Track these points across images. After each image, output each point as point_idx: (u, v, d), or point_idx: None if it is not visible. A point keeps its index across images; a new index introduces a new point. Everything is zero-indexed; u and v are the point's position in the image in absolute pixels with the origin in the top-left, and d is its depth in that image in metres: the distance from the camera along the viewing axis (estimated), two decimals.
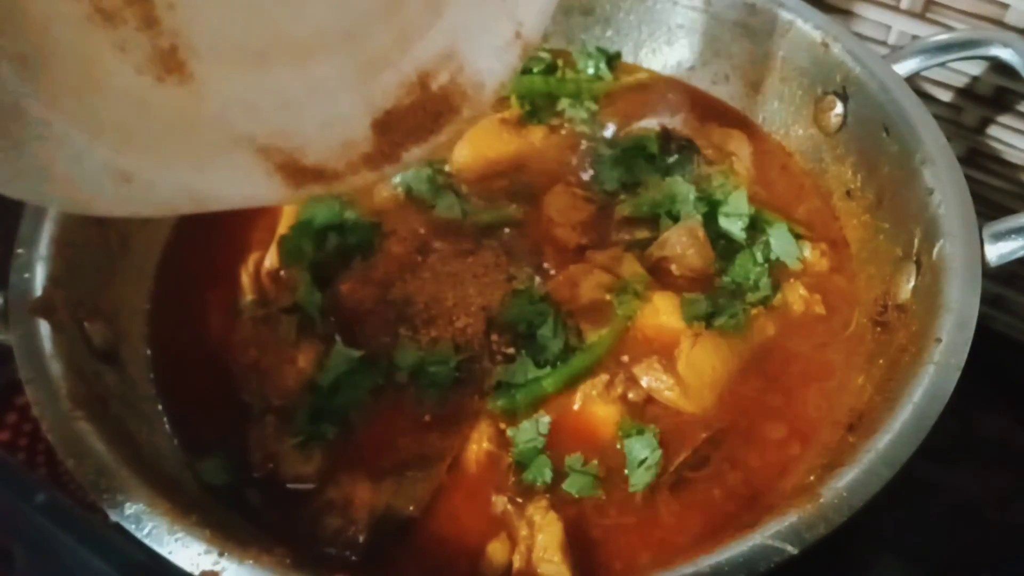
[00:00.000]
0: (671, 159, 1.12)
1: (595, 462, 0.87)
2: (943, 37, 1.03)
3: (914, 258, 0.92)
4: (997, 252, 0.88)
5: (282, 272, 1.01)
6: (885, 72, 1.02)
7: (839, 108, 1.07)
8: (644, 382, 0.93)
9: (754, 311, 0.98)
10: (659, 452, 0.87)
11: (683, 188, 1.05)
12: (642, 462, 0.86)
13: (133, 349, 0.94)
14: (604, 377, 0.93)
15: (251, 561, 0.69)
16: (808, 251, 1.04)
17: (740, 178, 1.10)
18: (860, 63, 1.04)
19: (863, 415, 0.85)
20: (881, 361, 0.90)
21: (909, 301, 0.91)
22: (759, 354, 0.96)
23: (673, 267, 1.02)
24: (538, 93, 1.21)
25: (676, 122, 1.18)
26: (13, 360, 0.81)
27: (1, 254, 0.90)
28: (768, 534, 0.71)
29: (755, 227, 1.04)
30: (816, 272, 1.03)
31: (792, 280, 1.02)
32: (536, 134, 1.17)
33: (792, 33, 1.10)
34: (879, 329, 0.93)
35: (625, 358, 0.95)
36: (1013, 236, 0.88)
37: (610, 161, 1.12)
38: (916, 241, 0.92)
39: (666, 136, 1.14)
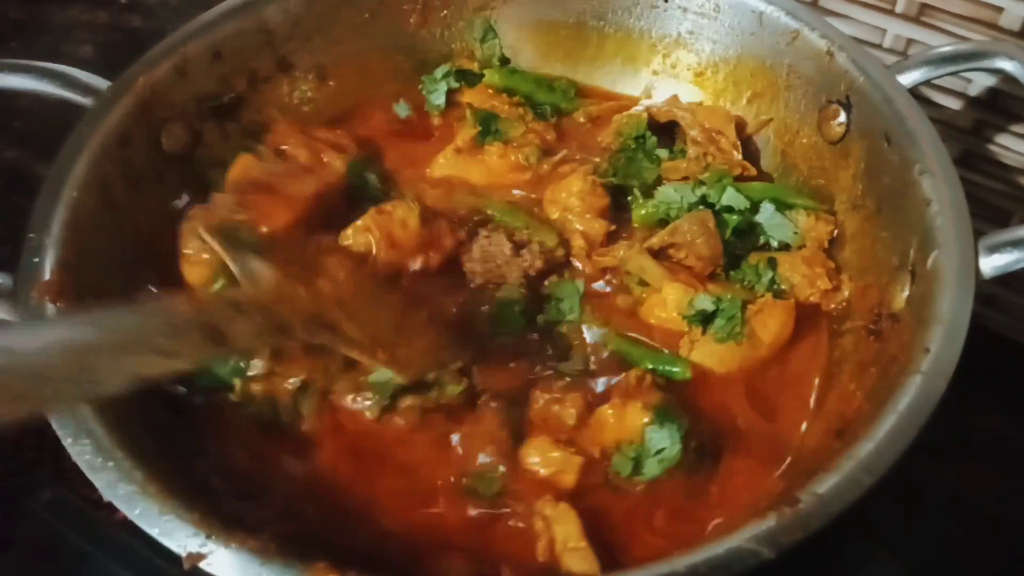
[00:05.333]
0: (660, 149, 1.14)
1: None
2: (947, 49, 1.03)
3: (909, 268, 0.92)
4: (992, 264, 0.88)
5: None
6: (889, 82, 1.02)
7: (842, 117, 1.07)
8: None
9: (758, 302, 0.99)
10: (678, 448, 0.87)
11: (676, 196, 1.06)
12: (659, 452, 0.87)
13: None
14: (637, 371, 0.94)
15: (236, 545, 0.71)
16: (803, 219, 1.05)
17: (727, 155, 1.12)
18: (864, 73, 1.04)
19: (852, 422, 0.86)
20: (873, 369, 0.90)
21: (903, 311, 0.91)
22: (758, 355, 0.98)
23: (682, 254, 1.03)
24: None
25: (655, 107, 1.19)
26: None
27: (9, 251, 0.92)
28: (746, 537, 0.71)
29: (752, 209, 1.06)
30: (815, 238, 1.04)
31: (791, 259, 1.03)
32: (492, 154, 1.16)
33: (798, 42, 1.11)
34: (872, 338, 0.94)
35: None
36: (1009, 248, 0.88)
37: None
38: (912, 251, 0.92)
39: (651, 120, 1.16)
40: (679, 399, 0.93)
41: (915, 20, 1.10)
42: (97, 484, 0.75)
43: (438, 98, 1.23)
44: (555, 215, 1.09)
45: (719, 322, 0.97)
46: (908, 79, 1.03)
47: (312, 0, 1.18)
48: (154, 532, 0.72)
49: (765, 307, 0.99)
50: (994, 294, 1.16)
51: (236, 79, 1.15)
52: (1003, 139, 1.11)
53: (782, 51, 1.13)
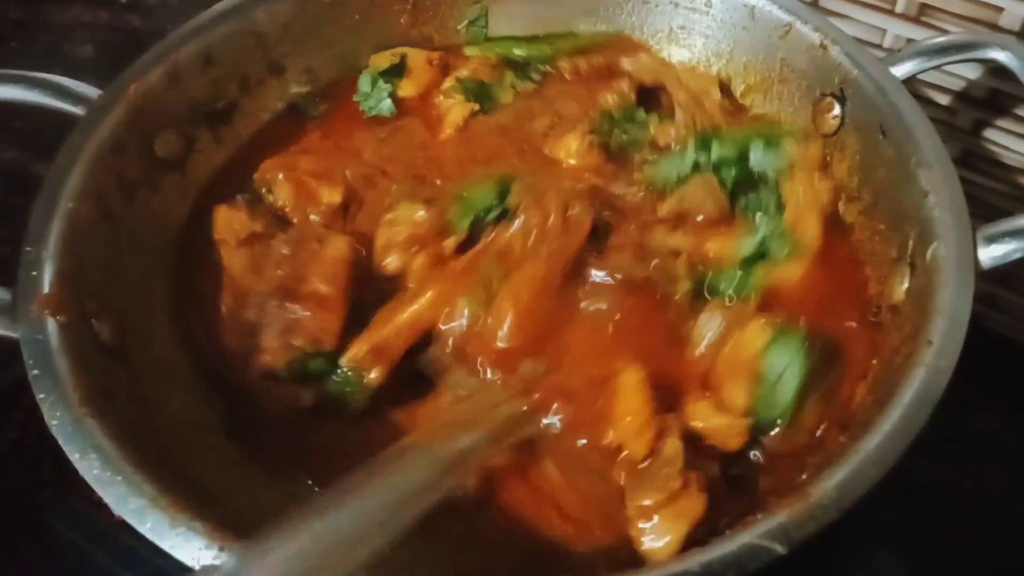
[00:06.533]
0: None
1: None
2: (940, 40, 1.04)
3: (908, 260, 0.92)
4: (990, 255, 0.88)
5: None
6: (882, 74, 1.03)
7: (837, 110, 1.07)
8: None
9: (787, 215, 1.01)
10: (802, 356, 0.87)
11: (672, 171, 1.07)
12: (786, 369, 0.87)
13: (142, 345, 0.95)
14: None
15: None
16: (792, 148, 1.06)
17: (713, 117, 1.13)
18: (858, 65, 1.04)
19: (856, 415, 0.86)
20: (875, 362, 0.90)
21: (903, 303, 0.91)
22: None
23: (695, 216, 1.04)
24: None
25: (639, 65, 1.20)
26: (20, 359, 0.82)
27: (9, 252, 0.91)
28: (758, 533, 0.71)
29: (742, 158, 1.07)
30: (807, 161, 1.06)
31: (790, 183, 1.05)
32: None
33: (791, 35, 1.11)
34: (873, 330, 0.94)
35: None
36: (1007, 239, 0.88)
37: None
38: (911, 243, 0.93)
39: (639, 90, 1.17)
40: None
41: (915, 20, 1.11)
42: (107, 499, 0.74)
43: (387, 105, 1.19)
44: None
45: (773, 246, 0.99)
46: (901, 71, 1.03)
47: (302, 2, 1.18)
48: (166, 546, 0.72)
49: (799, 216, 1.01)
50: (994, 294, 1.17)
51: (228, 83, 1.14)
52: (1003, 139, 1.12)
53: (775, 45, 1.13)
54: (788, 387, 0.87)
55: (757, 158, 1.07)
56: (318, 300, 0.95)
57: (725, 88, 1.19)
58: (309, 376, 0.93)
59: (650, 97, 1.18)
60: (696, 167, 1.06)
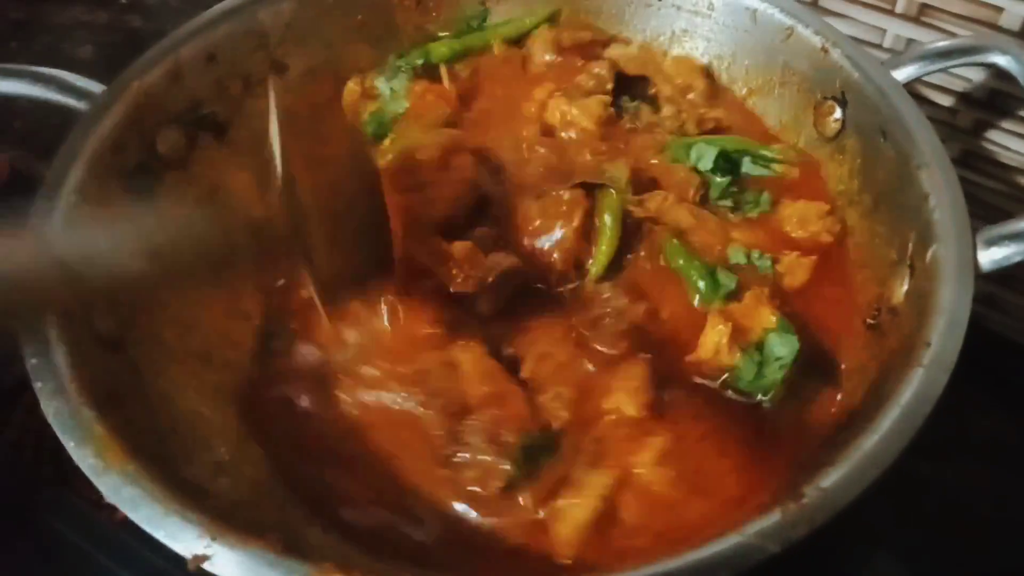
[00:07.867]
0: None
1: None
2: (943, 44, 1.04)
3: (908, 262, 0.92)
4: (990, 257, 0.88)
5: None
6: (883, 78, 1.03)
7: (838, 113, 1.08)
8: None
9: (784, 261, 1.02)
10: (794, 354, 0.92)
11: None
12: (779, 359, 0.91)
13: (141, 338, 0.95)
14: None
15: (241, 546, 0.71)
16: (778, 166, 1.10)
17: (699, 111, 1.15)
18: (859, 69, 1.05)
19: (854, 415, 0.86)
20: (873, 363, 0.90)
21: (902, 304, 0.91)
22: None
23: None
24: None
25: (623, 52, 1.21)
26: (20, 359, 0.82)
27: None
28: (751, 533, 0.71)
29: (728, 159, 1.10)
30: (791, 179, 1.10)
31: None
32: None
33: (793, 39, 1.11)
34: (871, 332, 0.94)
35: None
36: (1007, 242, 0.88)
37: None
38: (910, 245, 0.92)
39: (621, 79, 1.17)
40: None
41: (915, 20, 1.11)
42: (100, 488, 0.74)
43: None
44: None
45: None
46: (903, 74, 1.03)
47: (304, 1, 1.18)
48: (159, 535, 0.72)
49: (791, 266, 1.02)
50: (994, 294, 1.17)
51: (231, 82, 1.14)
52: (1003, 139, 1.12)
53: (776, 48, 1.14)
54: (778, 371, 0.92)
55: (747, 168, 1.10)
56: (489, 399, 0.91)
57: (708, 73, 1.20)
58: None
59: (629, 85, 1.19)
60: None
